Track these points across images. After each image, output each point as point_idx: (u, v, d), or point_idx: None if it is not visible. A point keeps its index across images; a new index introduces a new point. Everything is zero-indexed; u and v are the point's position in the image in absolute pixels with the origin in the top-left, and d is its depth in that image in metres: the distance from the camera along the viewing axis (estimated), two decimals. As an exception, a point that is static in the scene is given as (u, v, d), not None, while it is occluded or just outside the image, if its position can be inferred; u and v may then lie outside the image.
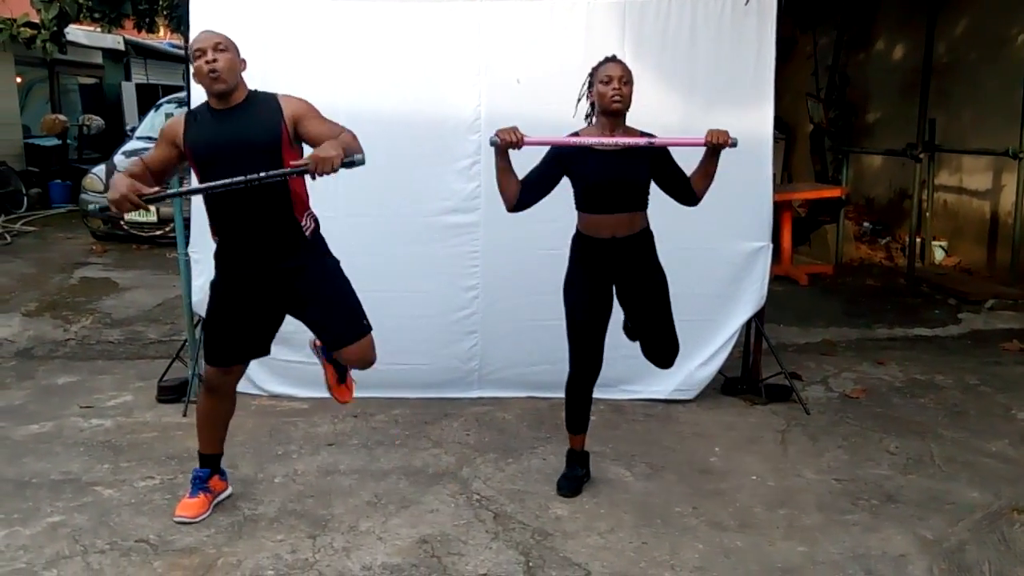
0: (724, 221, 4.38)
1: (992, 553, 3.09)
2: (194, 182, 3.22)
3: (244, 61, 3.16)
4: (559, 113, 4.34)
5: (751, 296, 4.55)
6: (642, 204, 3.41)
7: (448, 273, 4.47)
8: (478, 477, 3.69)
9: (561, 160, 3.35)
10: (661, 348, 3.55)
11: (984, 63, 7.85)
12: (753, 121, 4.39)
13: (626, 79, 3.27)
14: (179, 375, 4.61)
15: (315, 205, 3.29)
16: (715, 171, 3.35)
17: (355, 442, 4.05)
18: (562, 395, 4.31)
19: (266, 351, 3.40)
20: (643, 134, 3.38)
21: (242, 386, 4.08)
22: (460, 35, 4.35)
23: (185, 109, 3.23)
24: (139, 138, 10.47)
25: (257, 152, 3.05)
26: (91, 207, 9.38)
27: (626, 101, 3.28)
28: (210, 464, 3.37)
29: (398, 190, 4.40)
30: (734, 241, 4.47)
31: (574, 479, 3.59)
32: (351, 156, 2.94)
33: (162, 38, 17.56)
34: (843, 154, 9.15)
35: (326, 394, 4.42)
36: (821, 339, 5.89)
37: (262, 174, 2.93)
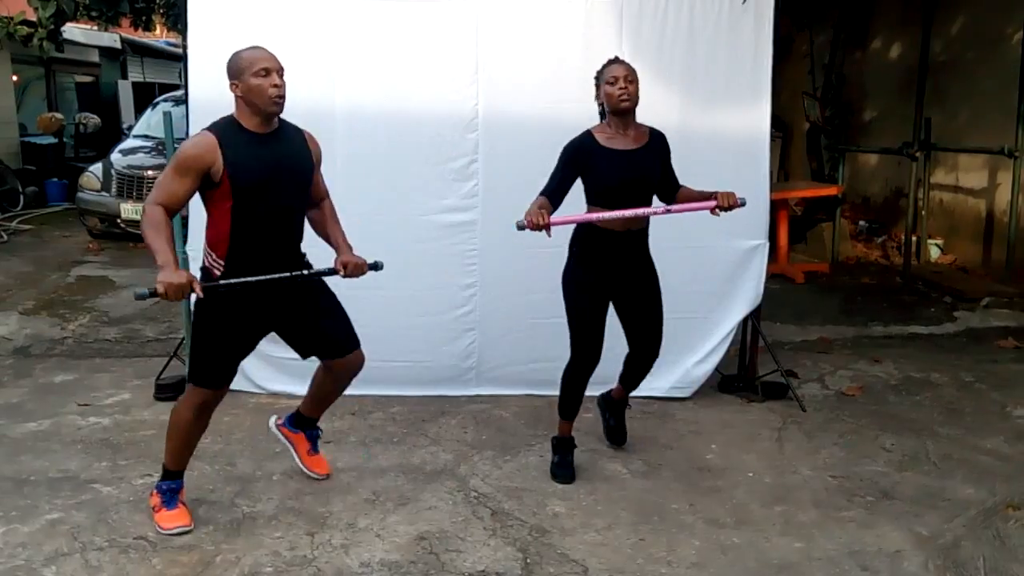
0: (721, 218, 4.39)
1: (987, 549, 3.11)
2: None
3: None
4: (556, 111, 4.38)
5: (748, 294, 4.57)
6: (651, 201, 3.54)
7: (446, 271, 4.47)
8: (476, 474, 3.70)
9: (577, 162, 3.45)
10: (646, 345, 3.65)
11: (980, 62, 7.87)
12: (750, 119, 4.42)
13: (631, 77, 3.41)
14: (176, 373, 4.61)
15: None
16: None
17: (353, 440, 4.06)
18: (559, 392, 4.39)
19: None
20: (652, 131, 3.52)
21: (240, 384, 4.11)
22: (458, 33, 4.35)
23: (204, 132, 3.04)
24: (136, 136, 10.47)
25: (298, 182, 3.14)
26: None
27: (633, 99, 3.41)
28: (179, 476, 3.29)
29: (396, 189, 4.41)
30: (731, 239, 4.47)
31: (568, 465, 3.68)
32: (373, 262, 3.28)
33: (158, 36, 17.58)
34: (839, 152, 9.17)
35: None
36: (817, 337, 5.91)
37: (306, 272, 3.17)
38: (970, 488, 3.60)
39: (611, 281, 3.54)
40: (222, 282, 3.03)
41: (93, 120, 13.82)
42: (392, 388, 4.48)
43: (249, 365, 4.18)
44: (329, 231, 3.35)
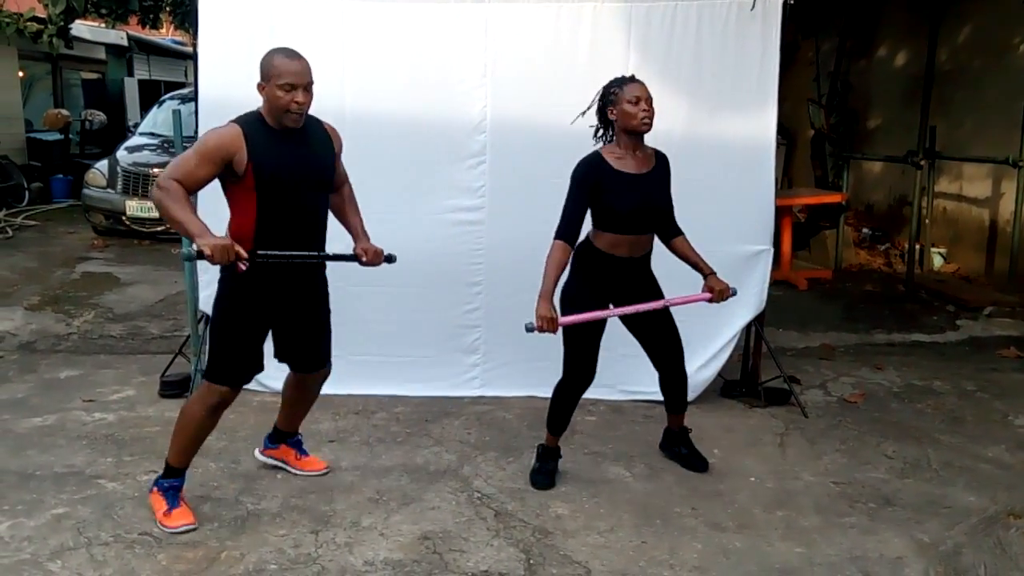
0: (725, 224, 4.41)
1: (988, 557, 3.12)
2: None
3: None
4: (564, 115, 4.38)
5: (751, 299, 4.58)
6: (660, 228, 3.56)
7: (453, 269, 4.50)
8: (479, 475, 3.71)
9: (591, 184, 3.34)
10: (668, 363, 3.63)
11: (986, 71, 7.88)
12: (756, 126, 4.43)
13: (651, 99, 3.33)
14: (181, 370, 4.63)
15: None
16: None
17: (356, 439, 4.07)
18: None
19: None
20: (657, 153, 3.47)
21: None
22: (467, 36, 4.38)
23: (231, 123, 3.05)
24: (141, 134, 10.50)
25: (321, 179, 3.20)
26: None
27: (652, 122, 3.34)
28: (182, 473, 3.28)
29: (404, 189, 4.43)
30: (735, 244, 4.49)
31: (548, 473, 3.67)
32: (388, 254, 3.38)
33: (165, 35, 17.60)
34: (844, 160, 9.18)
35: (329, 391, 4.49)
36: (820, 344, 5.92)
37: (333, 253, 3.28)
38: (971, 496, 3.61)
39: (608, 302, 3.48)
40: (261, 252, 3.03)
41: (99, 117, 13.85)
42: (397, 384, 4.50)
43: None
44: (348, 218, 3.44)
